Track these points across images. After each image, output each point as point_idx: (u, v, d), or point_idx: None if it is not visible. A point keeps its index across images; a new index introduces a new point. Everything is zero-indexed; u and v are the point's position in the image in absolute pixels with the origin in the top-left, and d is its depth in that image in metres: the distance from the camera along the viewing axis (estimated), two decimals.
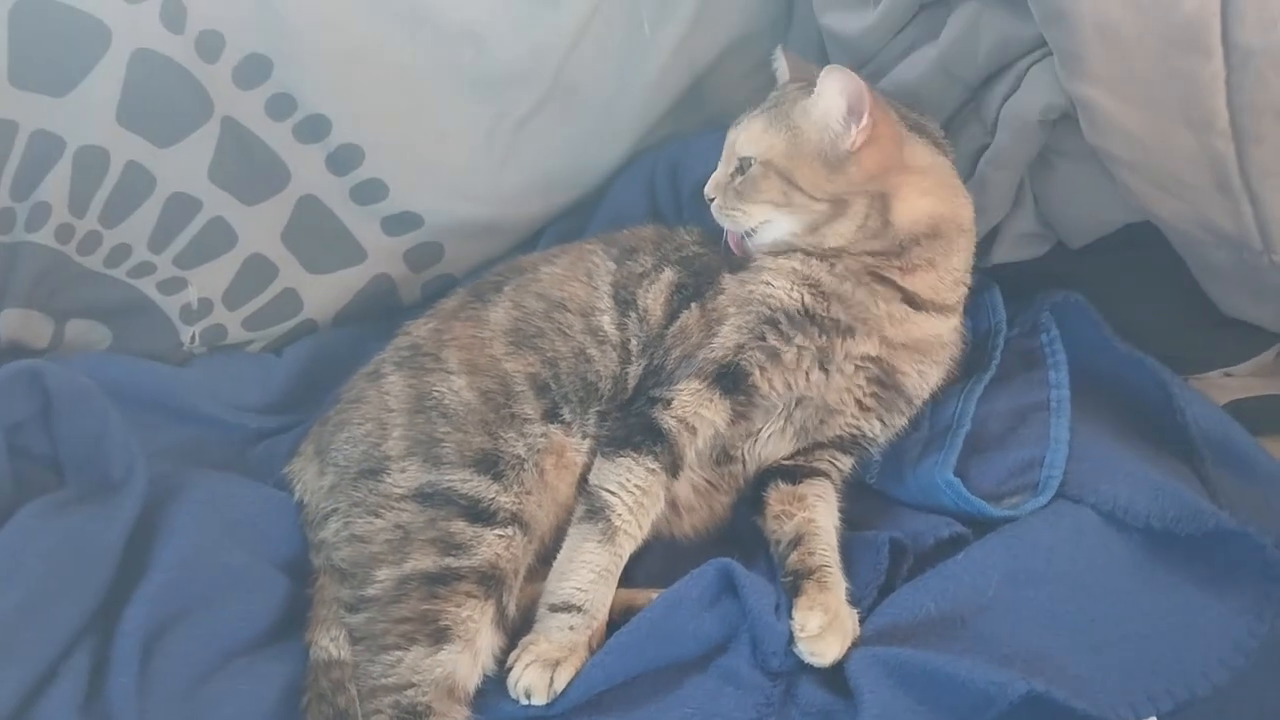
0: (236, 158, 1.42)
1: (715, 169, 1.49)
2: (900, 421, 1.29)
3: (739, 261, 1.28)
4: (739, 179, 1.25)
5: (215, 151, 1.40)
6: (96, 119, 1.33)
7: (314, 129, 1.44)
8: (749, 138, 1.25)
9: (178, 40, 1.33)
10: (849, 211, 1.21)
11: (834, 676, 1.07)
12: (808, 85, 1.23)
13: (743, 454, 1.27)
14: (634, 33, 1.55)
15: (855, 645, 1.08)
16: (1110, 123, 1.17)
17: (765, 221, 1.25)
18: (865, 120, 1.18)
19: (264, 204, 1.46)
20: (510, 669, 1.08)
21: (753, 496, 1.27)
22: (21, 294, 1.38)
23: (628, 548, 1.16)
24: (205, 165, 1.41)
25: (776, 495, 1.24)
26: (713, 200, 1.27)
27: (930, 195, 1.23)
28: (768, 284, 1.22)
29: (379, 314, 1.59)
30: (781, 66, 1.37)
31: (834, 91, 1.18)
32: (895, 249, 1.22)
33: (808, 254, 1.23)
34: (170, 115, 1.37)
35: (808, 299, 1.21)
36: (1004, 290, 1.42)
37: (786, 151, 1.22)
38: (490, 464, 1.18)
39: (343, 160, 1.47)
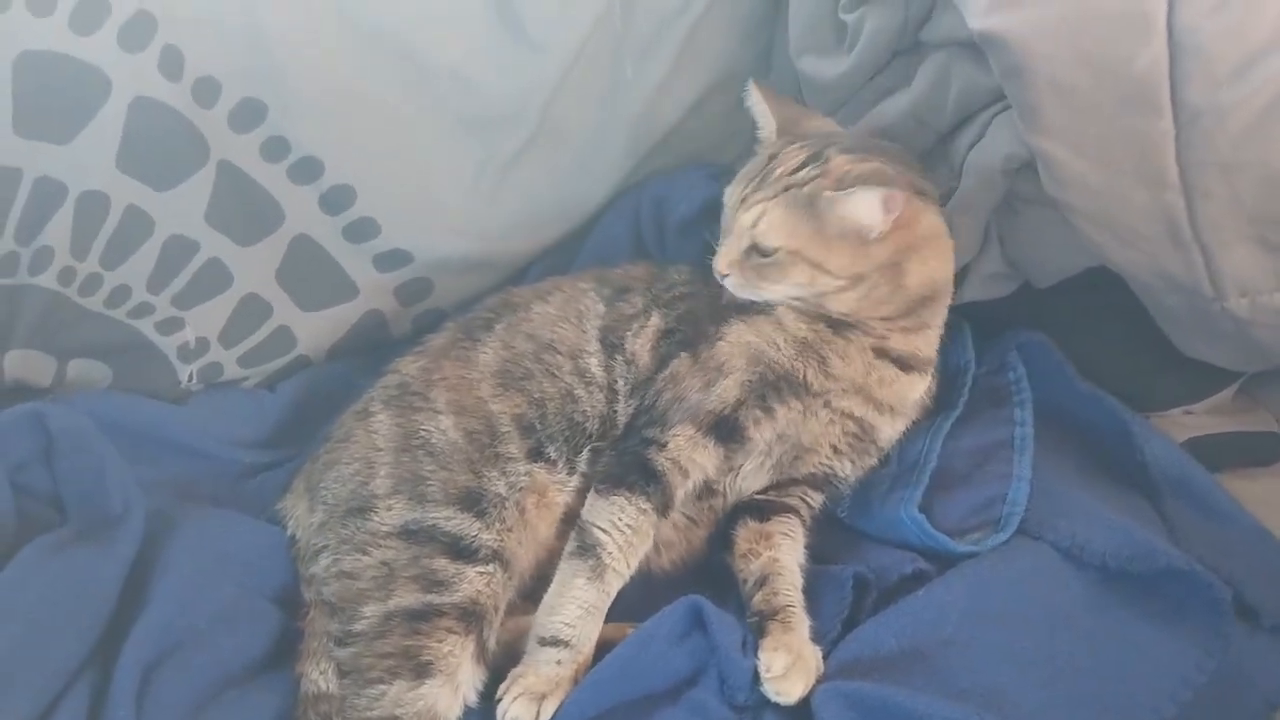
0: (232, 200, 1.46)
1: (692, 205, 1.55)
2: (870, 463, 1.33)
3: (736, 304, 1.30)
4: (758, 259, 1.23)
5: (212, 194, 1.45)
6: (98, 165, 1.37)
7: (307, 170, 1.48)
8: (770, 226, 1.21)
9: (175, 87, 1.37)
10: (861, 285, 1.22)
11: (798, 710, 1.11)
12: (818, 160, 1.23)
13: (724, 488, 1.30)
14: (617, 74, 1.59)
15: (820, 680, 1.12)
16: (1067, 175, 1.21)
17: (784, 296, 1.26)
18: (894, 214, 1.19)
19: (259, 244, 1.51)
20: (499, 700, 1.12)
21: (723, 533, 1.31)
22: (25, 335, 1.43)
23: (616, 585, 1.19)
24: (202, 208, 1.45)
25: (744, 534, 1.28)
26: (725, 276, 1.25)
27: (933, 260, 1.26)
28: (777, 348, 1.24)
29: (370, 348, 1.63)
30: (760, 109, 1.35)
31: (873, 204, 1.18)
32: (902, 313, 1.26)
33: (819, 324, 1.25)
34: (169, 160, 1.41)
35: (809, 374, 1.24)
36: (972, 328, 1.46)
37: (814, 240, 1.20)
38: (473, 502, 1.21)
39: (335, 200, 1.51)
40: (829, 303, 1.24)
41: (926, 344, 1.30)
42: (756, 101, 1.35)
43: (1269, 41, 1.09)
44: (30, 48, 1.30)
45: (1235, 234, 1.17)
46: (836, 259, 1.21)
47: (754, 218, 1.23)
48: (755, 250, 1.23)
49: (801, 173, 1.23)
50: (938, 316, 1.30)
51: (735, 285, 1.26)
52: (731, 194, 1.28)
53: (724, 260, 1.25)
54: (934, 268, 1.27)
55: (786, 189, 1.22)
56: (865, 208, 1.18)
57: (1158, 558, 1.17)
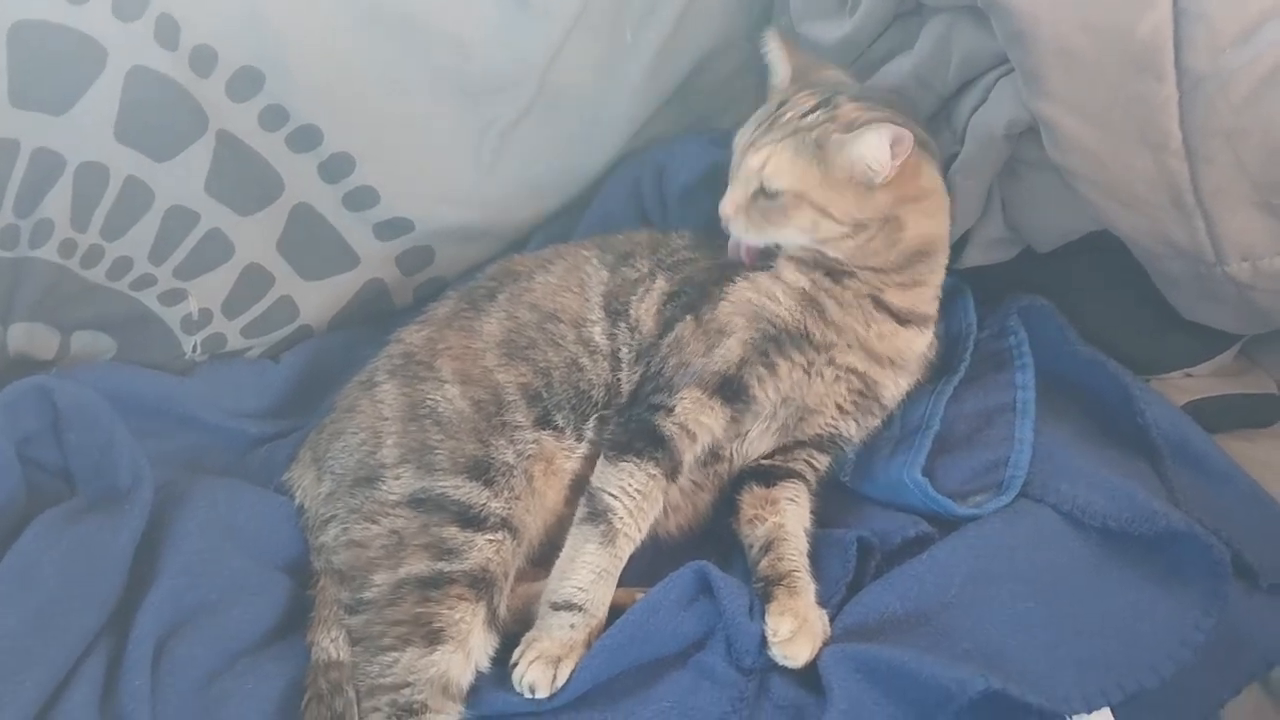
0: (232, 169, 1.45)
1: (694, 173, 1.55)
2: (874, 423, 1.34)
3: (737, 266, 1.32)
4: (764, 202, 1.24)
5: (211, 164, 1.44)
6: (95, 136, 1.36)
7: (306, 139, 1.47)
8: (778, 169, 1.22)
9: (171, 56, 1.36)
10: (861, 233, 1.23)
11: (804, 672, 1.13)
12: (827, 105, 1.24)
13: (730, 453, 1.32)
14: (616, 39, 1.58)
15: (826, 643, 1.14)
16: (1070, 140, 1.21)
17: (787, 240, 1.27)
18: (902, 157, 1.19)
19: (259, 214, 1.50)
20: (515, 665, 1.14)
21: (729, 499, 1.32)
22: (27, 308, 1.43)
23: (627, 549, 1.21)
24: (202, 178, 1.44)
25: (750, 499, 1.29)
26: (729, 219, 1.26)
27: (932, 216, 1.27)
28: (777, 301, 1.26)
29: (372, 318, 1.63)
30: (776, 56, 1.35)
31: (882, 143, 1.18)
32: (897, 267, 1.26)
33: (817, 273, 1.26)
34: (167, 130, 1.40)
35: (810, 323, 1.25)
36: (974, 292, 1.46)
37: (820, 184, 1.21)
38: (481, 470, 1.23)
39: (334, 169, 1.50)
40: (828, 249, 1.25)
41: (923, 300, 1.31)
42: (774, 49, 1.35)
43: (1272, 7, 1.09)
44: (25, 17, 1.28)
45: (1238, 199, 1.17)
46: (841, 203, 1.22)
47: (762, 160, 1.23)
48: (761, 193, 1.24)
49: (811, 117, 1.24)
50: (934, 274, 1.31)
51: (740, 229, 1.26)
52: (740, 138, 1.29)
53: (730, 203, 1.26)
54: (932, 223, 1.28)
55: (795, 132, 1.23)
56: (874, 148, 1.18)
57: (1157, 519, 1.18)
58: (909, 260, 1.27)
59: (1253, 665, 1.19)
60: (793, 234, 1.25)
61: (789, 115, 1.25)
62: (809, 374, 1.27)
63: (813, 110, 1.25)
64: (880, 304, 1.27)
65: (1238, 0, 1.09)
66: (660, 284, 1.35)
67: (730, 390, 1.26)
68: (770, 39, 1.36)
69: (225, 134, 1.43)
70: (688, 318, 1.29)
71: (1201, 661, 1.13)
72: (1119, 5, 1.12)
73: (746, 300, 1.27)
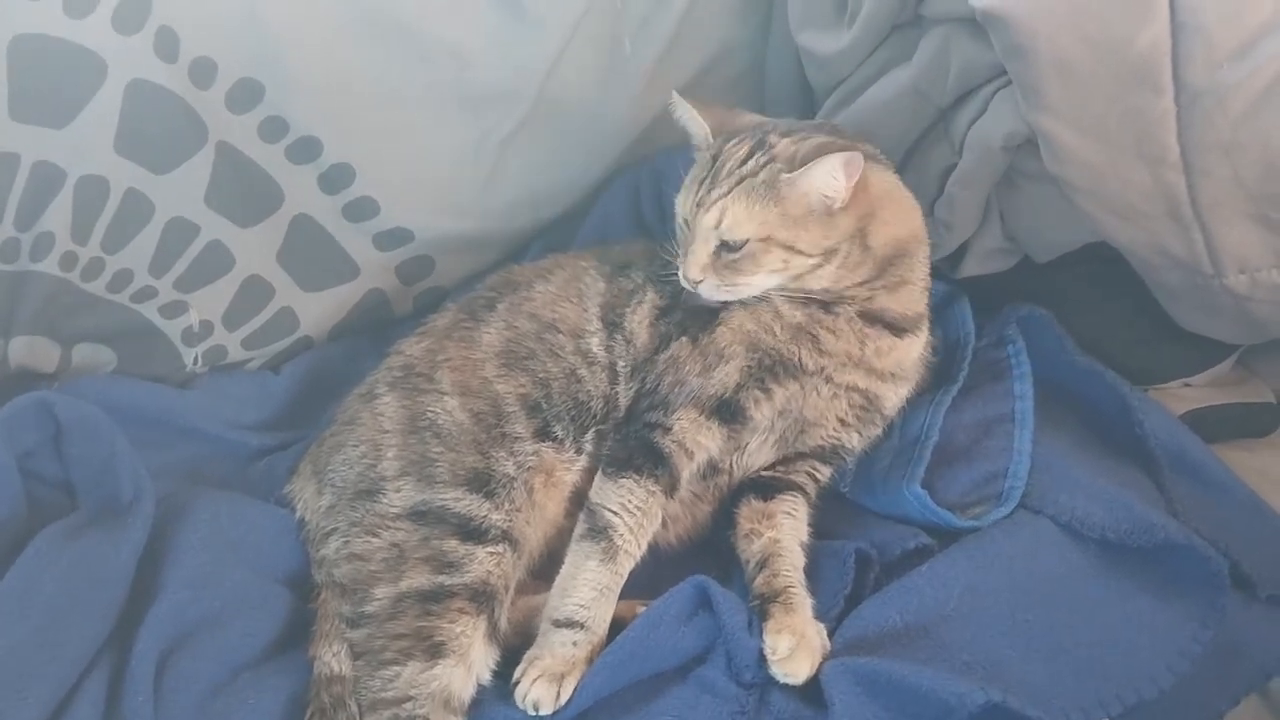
0: (232, 181, 1.46)
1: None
2: (875, 433, 1.34)
3: None
4: (728, 256, 1.21)
5: (211, 176, 1.44)
6: (95, 149, 1.37)
7: (306, 150, 1.47)
8: (735, 220, 1.19)
9: (171, 69, 1.36)
10: (834, 258, 1.22)
11: (805, 686, 1.13)
12: (761, 148, 1.22)
13: (729, 465, 1.32)
14: (615, 50, 1.59)
15: (827, 657, 1.14)
16: (1068, 153, 1.21)
17: (762, 287, 1.24)
18: (855, 178, 1.18)
19: (259, 225, 1.51)
20: (518, 682, 1.14)
21: (729, 511, 1.32)
22: (28, 321, 1.43)
23: (628, 566, 1.21)
24: (202, 190, 1.45)
25: (747, 512, 1.29)
26: (698, 283, 1.22)
27: (895, 220, 1.26)
28: (774, 334, 1.25)
29: (372, 327, 1.64)
30: (689, 116, 1.29)
31: (835, 170, 1.17)
32: (876, 275, 1.25)
33: (811, 306, 1.25)
34: (167, 142, 1.41)
35: (804, 354, 1.24)
36: (972, 302, 1.46)
37: (782, 224, 1.19)
38: (482, 483, 1.23)
39: (334, 180, 1.51)
40: (808, 282, 1.23)
41: (913, 301, 1.30)
42: (685, 110, 1.30)
43: (1269, 22, 1.09)
44: (24, 31, 1.29)
45: (1235, 212, 1.18)
46: (807, 237, 1.20)
47: (716, 216, 1.20)
48: (724, 248, 1.21)
49: (750, 163, 1.21)
50: (915, 272, 1.29)
51: (709, 290, 1.22)
52: (684, 202, 1.25)
53: (695, 267, 1.21)
54: (896, 226, 1.25)
55: (740, 181, 1.20)
56: (827, 176, 1.17)
57: (1156, 531, 1.19)
58: (885, 266, 1.25)
59: (1251, 676, 1.19)
60: (765, 279, 1.22)
61: (727, 167, 1.22)
62: (805, 393, 1.27)
63: (749, 156, 1.22)
64: (873, 317, 1.26)
65: (1235, 15, 1.10)
66: (651, 297, 1.34)
67: (727, 412, 1.26)
68: (678, 103, 1.30)
69: (225, 146, 1.44)
70: (683, 338, 1.28)
71: (1200, 673, 1.14)
72: (1117, 19, 1.13)
73: (746, 331, 1.26)
